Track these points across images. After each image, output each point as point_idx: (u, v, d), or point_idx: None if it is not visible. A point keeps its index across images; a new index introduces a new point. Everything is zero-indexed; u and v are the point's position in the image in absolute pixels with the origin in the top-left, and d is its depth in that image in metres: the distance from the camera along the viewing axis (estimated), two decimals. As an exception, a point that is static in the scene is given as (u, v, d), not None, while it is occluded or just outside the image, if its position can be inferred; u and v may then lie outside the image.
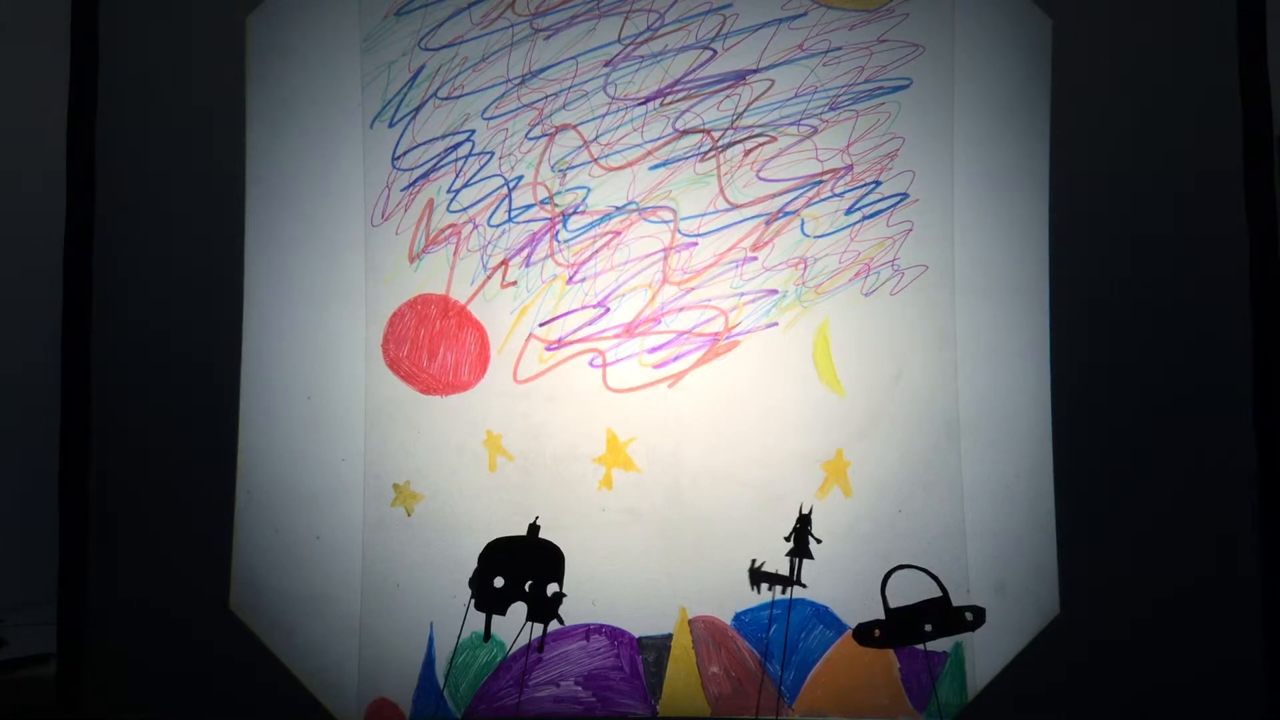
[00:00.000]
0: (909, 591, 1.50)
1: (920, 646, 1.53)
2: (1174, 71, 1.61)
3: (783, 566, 1.53)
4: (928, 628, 1.50)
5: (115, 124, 1.63)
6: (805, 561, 1.52)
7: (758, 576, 1.53)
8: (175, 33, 1.64)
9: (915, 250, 1.60)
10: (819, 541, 1.53)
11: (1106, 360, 1.59)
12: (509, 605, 1.50)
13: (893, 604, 1.49)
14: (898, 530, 1.56)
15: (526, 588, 1.50)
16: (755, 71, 1.61)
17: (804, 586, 1.53)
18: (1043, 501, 1.58)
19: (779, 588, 1.53)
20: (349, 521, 1.59)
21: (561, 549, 1.50)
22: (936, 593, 1.49)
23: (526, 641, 1.53)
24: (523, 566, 1.50)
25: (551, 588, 1.50)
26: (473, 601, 1.50)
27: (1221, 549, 1.57)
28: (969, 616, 1.50)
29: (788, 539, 1.53)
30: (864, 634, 1.51)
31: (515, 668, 1.57)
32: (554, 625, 1.50)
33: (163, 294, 1.62)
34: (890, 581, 1.50)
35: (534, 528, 1.52)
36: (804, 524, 1.53)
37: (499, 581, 1.50)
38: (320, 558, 1.59)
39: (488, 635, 1.51)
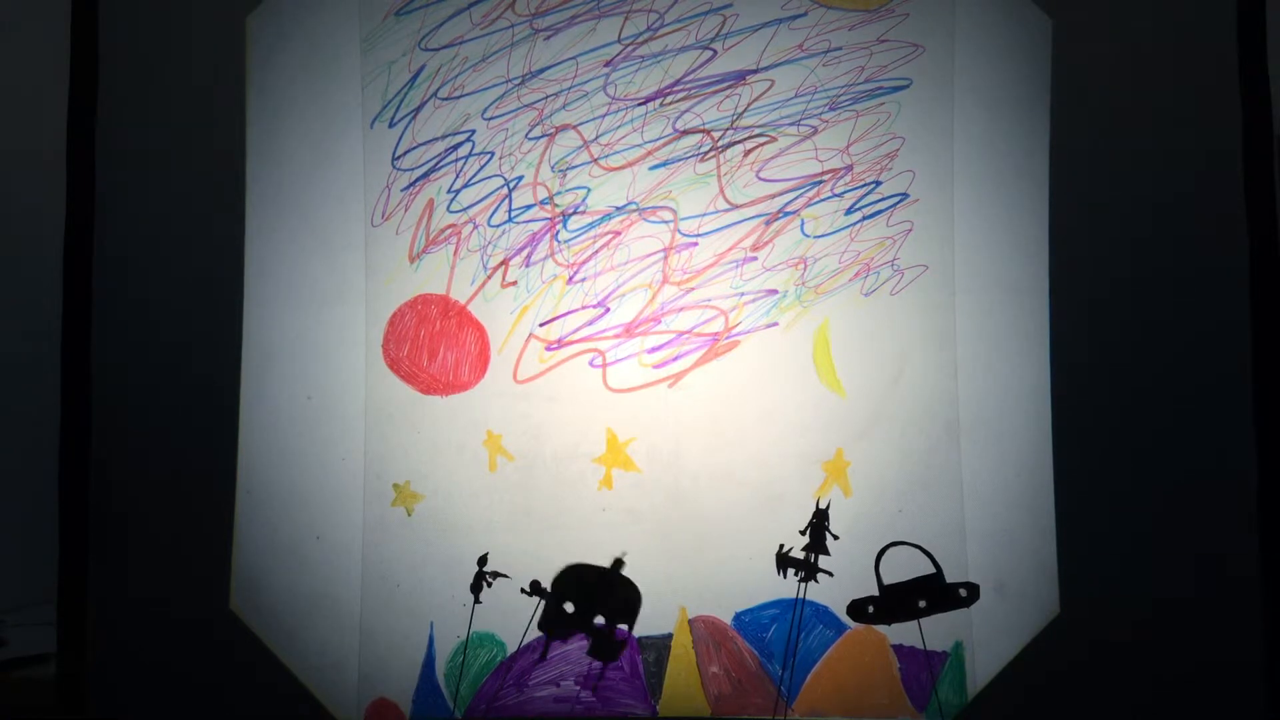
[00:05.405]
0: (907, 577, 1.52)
1: (920, 646, 1.53)
2: (1174, 71, 1.61)
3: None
4: (922, 604, 1.50)
5: (115, 124, 1.63)
6: (821, 557, 1.52)
7: (785, 561, 1.53)
8: (175, 33, 1.64)
9: (915, 250, 1.60)
10: (836, 537, 1.53)
11: (1106, 360, 1.59)
12: (572, 633, 1.51)
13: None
14: (898, 530, 1.56)
15: (597, 621, 1.51)
16: (755, 71, 1.61)
17: (818, 582, 1.53)
18: (1043, 501, 1.58)
19: (805, 573, 1.52)
20: (349, 521, 1.59)
21: (637, 587, 1.52)
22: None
23: (526, 642, 1.54)
24: (597, 599, 1.51)
25: (621, 629, 1.51)
26: (535, 618, 1.51)
27: (1221, 549, 1.57)
28: (963, 593, 1.51)
29: (803, 533, 1.53)
30: (858, 610, 1.52)
31: (515, 668, 1.57)
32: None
33: (163, 294, 1.62)
34: (891, 568, 1.51)
35: (618, 562, 1.52)
36: (820, 519, 1.53)
37: (569, 607, 1.50)
38: (320, 558, 1.59)
39: (545, 655, 1.52)
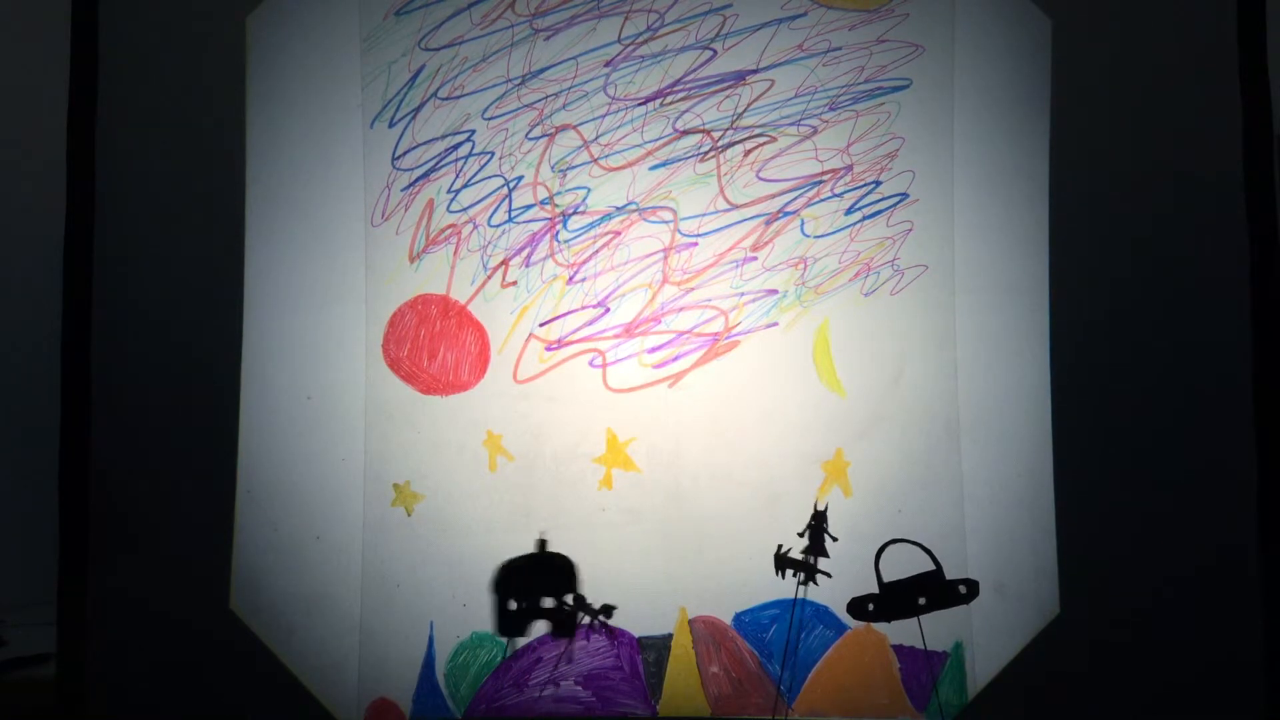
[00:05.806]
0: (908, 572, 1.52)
1: (920, 646, 1.54)
2: (1174, 71, 1.61)
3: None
4: (922, 601, 1.50)
5: (115, 124, 1.63)
6: (820, 560, 1.52)
7: (783, 562, 1.53)
8: (175, 33, 1.64)
9: (915, 250, 1.60)
10: (834, 539, 1.53)
11: (1106, 360, 1.59)
12: (528, 624, 1.51)
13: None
14: (898, 530, 1.56)
15: (545, 603, 1.51)
16: (755, 71, 1.61)
17: (816, 584, 1.53)
18: (1043, 501, 1.58)
19: (803, 574, 1.53)
20: (349, 521, 1.59)
21: (570, 557, 1.52)
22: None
23: (527, 642, 1.55)
24: (537, 583, 1.51)
25: (568, 599, 1.51)
26: (496, 627, 1.52)
27: (1221, 549, 1.57)
28: (963, 589, 1.52)
29: (801, 534, 1.53)
30: (858, 608, 1.52)
31: (515, 668, 1.57)
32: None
33: (163, 294, 1.62)
34: (891, 567, 1.51)
35: (541, 542, 1.53)
36: (819, 520, 1.53)
37: (513, 605, 1.51)
38: (320, 558, 1.59)
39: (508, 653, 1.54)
